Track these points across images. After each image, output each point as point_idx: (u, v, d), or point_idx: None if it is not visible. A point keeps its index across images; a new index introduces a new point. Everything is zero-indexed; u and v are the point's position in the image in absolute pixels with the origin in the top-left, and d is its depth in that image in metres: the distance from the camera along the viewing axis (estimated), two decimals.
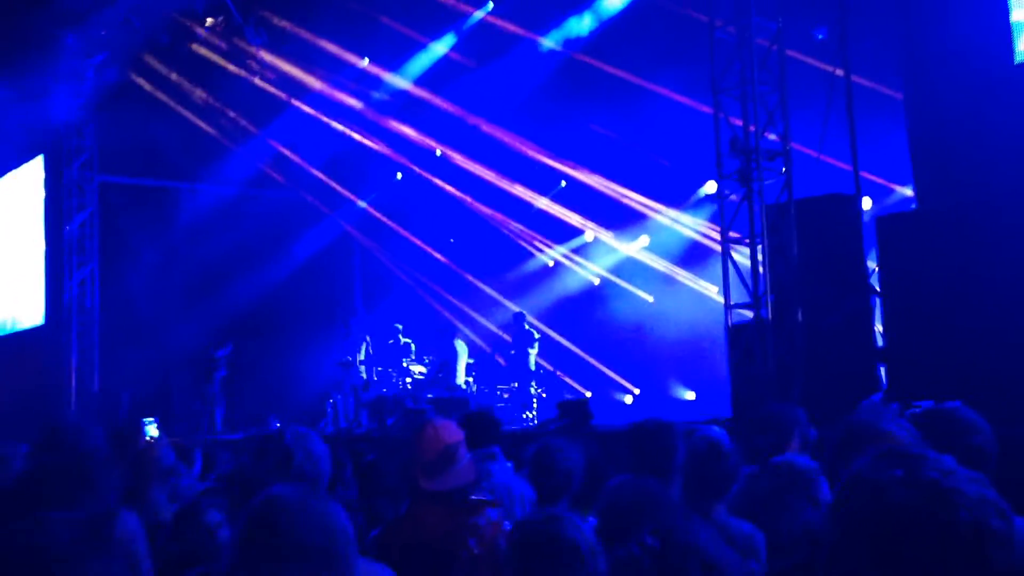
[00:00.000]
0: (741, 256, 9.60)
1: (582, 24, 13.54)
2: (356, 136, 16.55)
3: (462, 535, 2.90)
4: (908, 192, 10.80)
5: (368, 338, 14.58)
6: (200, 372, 15.31)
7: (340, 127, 16.43)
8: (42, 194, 16.65)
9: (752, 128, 9.08)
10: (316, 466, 2.51)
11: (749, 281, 9.22)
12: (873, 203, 10.90)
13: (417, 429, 3.17)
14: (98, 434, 3.82)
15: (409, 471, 3.03)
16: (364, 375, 14.28)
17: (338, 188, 17.77)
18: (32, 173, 17.04)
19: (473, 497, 3.03)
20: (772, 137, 9.29)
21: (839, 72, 9.54)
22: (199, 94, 15.77)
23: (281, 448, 2.52)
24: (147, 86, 15.52)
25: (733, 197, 9.37)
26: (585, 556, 1.99)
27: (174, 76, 15.49)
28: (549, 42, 13.85)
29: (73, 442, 3.65)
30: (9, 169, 17.57)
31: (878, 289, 8.66)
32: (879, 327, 8.78)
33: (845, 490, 1.40)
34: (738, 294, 9.40)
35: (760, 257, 9.09)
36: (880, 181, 11.32)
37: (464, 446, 3.18)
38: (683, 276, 14.66)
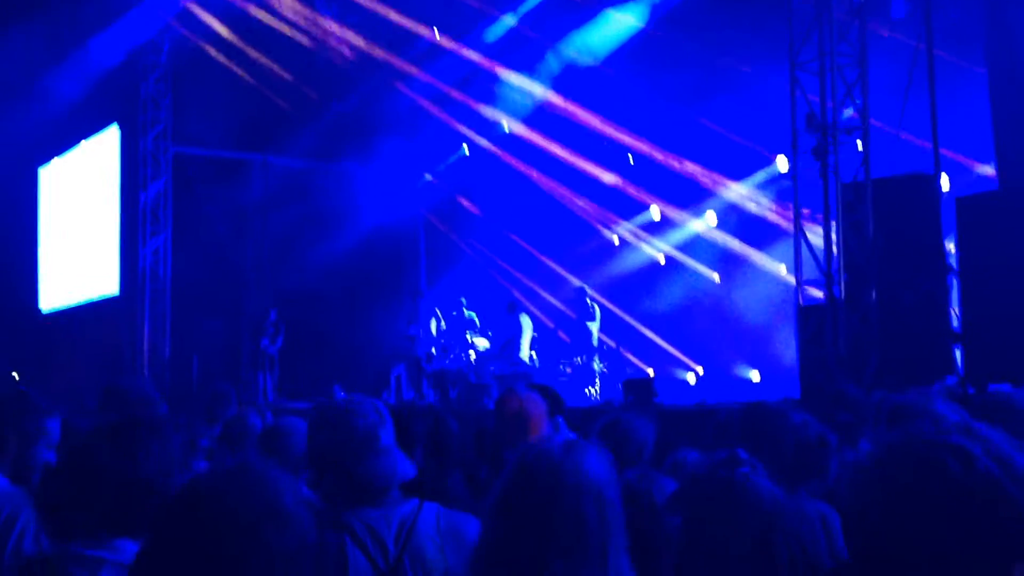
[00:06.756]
0: (813, 235, 9.43)
1: None
2: (425, 108, 16.60)
3: None
4: (989, 170, 10.50)
5: (438, 311, 14.68)
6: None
7: (411, 98, 16.48)
8: (117, 163, 16.99)
9: (829, 103, 8.89)
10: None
11: (821, 260, 9.06)
12: (951, 181, 10.61)
13: (501, 400, 3.19)
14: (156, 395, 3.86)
15: (494, 440, 3.06)
16: (432, 349, 14.38)
17: (406, 160, 17.88)
18: (107, 142, 17.34)
19: None
20: (849, 112, 9.09)
21: (921, 45, 9.28)
22: (272, 66, 15.95)
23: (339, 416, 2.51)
24: (222, 58, 15.73)
25: (807, 174, 9.21)
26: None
27: (248, 48, 15.67)
28: (620, 14, 13.70)
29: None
30: (84, 137, 17.93)
31: (956, 269, 8.46)
32: (955, 309, 8.59)
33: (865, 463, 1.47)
34: (809, 273, 9.25)
35: (834, 236, 8.93)
36: (960, 159, 11.02)
37: (546, 418, 3.20)
38: (750, 254, 14.47)
